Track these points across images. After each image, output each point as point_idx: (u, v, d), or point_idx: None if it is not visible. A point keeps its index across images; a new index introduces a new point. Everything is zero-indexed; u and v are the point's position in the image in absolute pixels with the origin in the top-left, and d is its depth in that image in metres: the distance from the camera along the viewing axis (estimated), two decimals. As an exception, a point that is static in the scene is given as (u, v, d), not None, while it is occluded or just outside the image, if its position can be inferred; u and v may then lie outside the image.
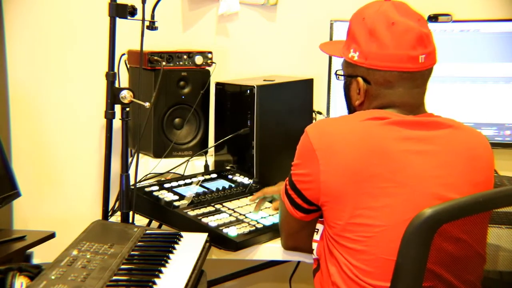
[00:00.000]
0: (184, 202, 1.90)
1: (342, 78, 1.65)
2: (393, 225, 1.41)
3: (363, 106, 1.59)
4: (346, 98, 1.66)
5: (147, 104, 1.84)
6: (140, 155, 2.28)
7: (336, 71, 1.68)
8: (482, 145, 1.56)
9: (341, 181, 1.46)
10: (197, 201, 1.93)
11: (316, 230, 1.65)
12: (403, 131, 1.48)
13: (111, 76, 1.85)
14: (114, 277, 1.41)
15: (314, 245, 1.64)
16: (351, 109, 1.64)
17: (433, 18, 2.35)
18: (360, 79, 1.56)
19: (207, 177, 2.13)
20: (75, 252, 1.50)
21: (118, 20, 1.85)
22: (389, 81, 1.53)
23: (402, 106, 1.54)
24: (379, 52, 1.51)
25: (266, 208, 1.92)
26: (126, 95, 1.84)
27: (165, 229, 1.87)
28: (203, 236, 1.71)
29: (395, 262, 1.33)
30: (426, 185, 1.44)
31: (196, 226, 1.78)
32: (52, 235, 1.94)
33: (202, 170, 2.27)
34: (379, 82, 1.54)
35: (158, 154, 2.30)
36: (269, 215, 1.89)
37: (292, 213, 1.62)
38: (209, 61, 2.37)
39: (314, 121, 2.45)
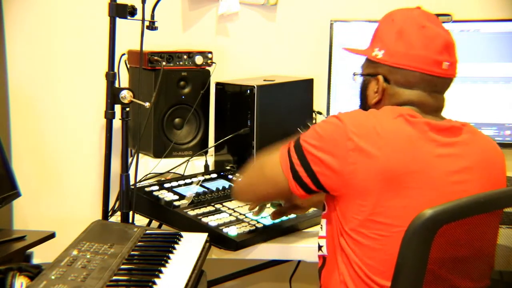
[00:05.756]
0: (184, 202, 1.91)
1: (358, 79, 1.65)
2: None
3: (379, 104, 1.58)
4: (362, 98, 1.65)
5: (147, 104, 1.84)
6: (140, 155, 2.28)
7: (354, 72, 1.66)
8: (497, 153, 1.58)
9: (369, 177, 1.44)
10: (197, 201, 1.93)
11: (320, 226, 1.63)
12: (429, 133, 1.48)
13: (111, 76, 1.85)
14: (114, 277, 1.41)
15: (322, 241, 1.61)
16: (365, 108, 1.63)
17: (433, 18, 2.35)
18: (380, 77, 1.56)
19: (207, 177, 2.13)
20: (75, 252, 1.50)
21: (118, 20, 1.85)
22: (410, 81, 1.53)
23: (421, 106, 1.54)
24: (405, 51, 1.52)
25: (266, 208, 1.92)
26: (126, 95, 1.84)
27: (165, 229, 1.87)
28: (203, 236, 1.71)
29: (395, 263, 1.33)
30: (446, 190, 1.44)
31: (196, 226, 1.79)
32: (52, 235, 1.94)
33: (202, 170, 2.27)
34: (399, 81, 1.54)
35: (158, 154, 2.30)
36: (269, 215, 1.88)
37: (292, 188, 1.55)
38: (209, 61, 2.37)
39: (314, 121, 2.45)
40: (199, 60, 2.33)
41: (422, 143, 1.46)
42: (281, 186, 1.58)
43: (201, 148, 2.37)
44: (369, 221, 1.45)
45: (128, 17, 1.86)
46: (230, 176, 2.15)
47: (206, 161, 2.28)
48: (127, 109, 1.85)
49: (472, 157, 1.50)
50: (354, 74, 1.67)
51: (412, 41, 1.52)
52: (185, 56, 2.31)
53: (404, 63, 1.52)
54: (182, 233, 1.71)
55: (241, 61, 2.62)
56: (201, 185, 2.05)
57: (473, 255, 1.42)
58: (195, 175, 2.14)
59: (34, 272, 1.47)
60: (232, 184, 2.07)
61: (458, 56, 1.57)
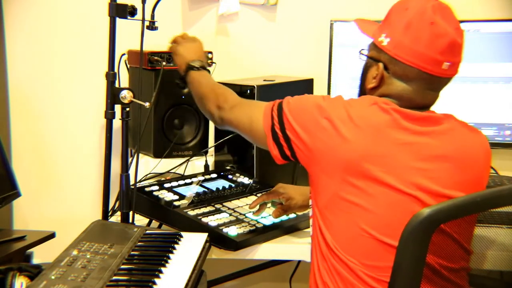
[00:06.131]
0: (184, 202, 1.91)
1: (363, 58, 1.67)
2: (371, 207, 1.47)
3: (375, 91, 1.61)
4: (362, 79, 1.67)
5: (147, 104, 1.84)
6: (140, 155, 2.28)
7: (361, 50, 1.68)
8: (479, 145, 1.58)
9: (336, 157, 1.50)
10: (197, 201, 1.93)
11: (310, 205, 1.66)
12: (400, 121, 1.51)
13: (111, 76, 1.85)
14: (114, 277, 1.41)
15: (311, 221, 1.66)
16: (362, 90, 1.67)
17: (433, 18, 2.35)
18: (381, 65, 1.58)
19: (207, 177, 2.13)
20: (75, 252, 1.50)
21: (118, 20, 1.85)
22: (407, 75, 1.55)
23: (407, 101, 1.56)
24: (409, 45, 1.52)
25: (267, 208, 1.92)
26: (126, 95, 1.84)
27: (165, 229, 1.87)
28: (203, 236, 1.71)
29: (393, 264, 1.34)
30: (409, 175, 1.48)
31: (196, 225, 1.78)
32: (52, 235, 1.94)
33: (202, 170, 2.27)
34: (397, 73, 1.56)
35: (158, 154, 2.30)
36: (269, 215, 1.89)
37: (270, 147, 1.64)
38: (209, 61, 2.37)
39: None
40: (199, 60, 2.33)
41: (391, 129, 1.50)
42: (260, 140, 1.67)
43: (201, 148, 2.37)
44: (337, 196, 1.51)
45: (128, 17, 1.86)
46: (230, 176, 2.15)
47: (206, 161, 2.28)
48: (127, 109, 1.85)
49: (449, 147, 1.52)
50: (360, 53, 1.68)
51: (418, 36, 1.52)
52: (185, 56, 2.31)
53: (405, 57, 1.53)
54: (182, 233, 1.71)
55: (241, 61, 2.62)
56: (201, 185, 2.05)
57: (458, 248, 1.47)
58: (195, 175, 2.14)
59: (34, 272, 1.47)
60: (231, 184, 2.07)
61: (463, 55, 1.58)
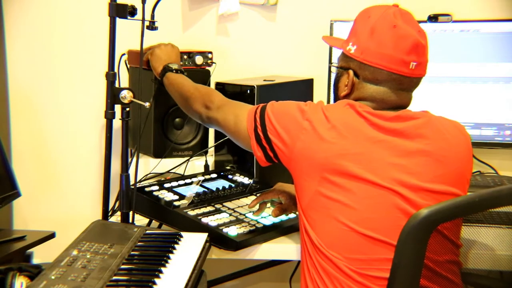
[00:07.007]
0: (184, 202, 1.91)
1: (334, 69, 1.74)
2: (351, 202, 1.51)
3: (348, 97, 1.67)
4: (335, 89, 1.74)
5: (147, 104, 1.84)
6: (140, 155, 2.28)
7: (332, 62, 1.75)
8: (459, 136, 1.61)
9: (315, 156, 1.54)
10: (197, 201, 1.93)
11: None
12: (375, 120, 1.55)
13: (111, 76, 1.85)
14: (114, 277, 1.41)
15: None
16: (336, 99, 1.73)
17: (433, 18, 2.35)
18: (351, 72, 1.65)
19: (207, 177, 2.13)
20: (75, 252, 1.50)
21: (118, 20, 1.85)
22: (377, 78, 1.61)
23: (381, 102, 1.61)
24: (375, 49, 1.59)
25: (266, 208, 1.92)
26: (126, 95, 1.84)
27: (165, 229, 1.87)
28: (203, 236, 1.71)
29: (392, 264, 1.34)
30: (387, 171, 1.52)
31: (196, 226, 1.79)
32: (52, 235, 1.94)
33: (202, 170, 2.27)
34: (367, 78, 1.62)
35: (158, 154, 2.30)
36: (269, 215, 1.89)
37: (253, 148, 1.68)
38: (209, 61, 2.37)
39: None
40: (199, 60, 2.33)
41: (366, 129, 1.55)
42: (244, 141, 1.72)
43: (201, 148, 2.37)
44: (317, 194, 1.55)
45: (128, 17, 1.86)
46: (230, 176, 2.15)
47: (206, 161, 2.28)
48: (127, 109, 1.85)
49: (426, 141, 1.56)
50: (331, 65, 1.75)
51: (382, 40, 1.58)
52: (185, 56, 2.31)
53: (373, 61, 1.59)
54: (182, 233, 1.71)
55: (241, 61, 2.62)
56: (201, 185, 2.05)
57: (448, 243, 1.49)
58: (195, 175, 2.14)
59: (34, 272, 1.47)
60: (231, 184, 2.08)
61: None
